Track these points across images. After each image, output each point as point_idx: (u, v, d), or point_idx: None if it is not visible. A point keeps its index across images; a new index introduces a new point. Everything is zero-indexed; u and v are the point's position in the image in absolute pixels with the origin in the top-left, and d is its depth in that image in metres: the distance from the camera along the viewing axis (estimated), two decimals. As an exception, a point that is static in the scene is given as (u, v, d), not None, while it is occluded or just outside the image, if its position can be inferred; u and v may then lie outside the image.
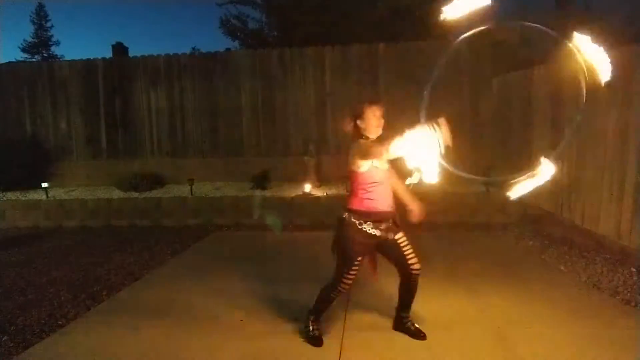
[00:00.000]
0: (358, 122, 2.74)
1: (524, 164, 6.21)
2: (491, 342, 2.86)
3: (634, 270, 3.98)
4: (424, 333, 2.93)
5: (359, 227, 2.70)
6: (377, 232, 2.71)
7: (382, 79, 7.92)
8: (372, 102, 2.75)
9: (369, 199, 2.71)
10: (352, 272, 2.74)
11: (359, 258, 2.72)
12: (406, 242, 2.82)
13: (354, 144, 2.74)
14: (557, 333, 2.96)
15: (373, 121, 2.71)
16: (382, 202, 2.72)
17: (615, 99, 4.30)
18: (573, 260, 4.45)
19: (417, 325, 2.98)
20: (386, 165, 2.75)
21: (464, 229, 5.99)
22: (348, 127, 2.79)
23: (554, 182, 5.20)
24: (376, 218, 2.71)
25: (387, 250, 2.84)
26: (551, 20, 7.39)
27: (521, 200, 6.29)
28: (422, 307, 3.33)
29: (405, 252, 2.80)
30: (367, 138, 2.74)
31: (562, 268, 4.29)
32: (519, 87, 6.54)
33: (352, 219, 2.72)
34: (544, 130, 5.72)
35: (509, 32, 7.55)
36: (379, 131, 2.74)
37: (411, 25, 10.13)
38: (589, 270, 4.12)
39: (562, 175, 5.28)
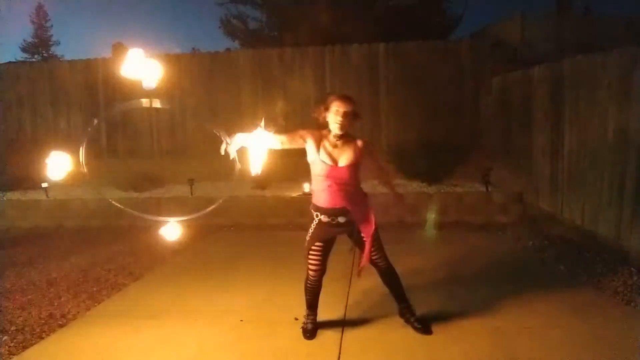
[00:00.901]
0: (325, 113, 2.75)
1: (524, 163, 6.23)
2: (491, 342, 2.86)
3: (634, 270, 3.98)
4: (423, 325, 2.97)
5: (315, 217, 2.82)
6: (330, 220, 2.77)
7: (382, 79, 7.92)
8: (338, 97, 2.72)
9: (317, 191, 2.81)
10: (312, 258, 2.86)
11: (317, 243, 2.84)
12: (365, 240, 2.84)
13: (372, 144, 2.86)
14: (557, 333, 2.96)
15: (332, 116, 2.70)
16: (327, 198, 2.75)
17: (615, 99, 4.30)
18: (573, 260, 4.44)
19: (417, 317, 3.02)
20: (344, 163, 2.74)
21: (464, 229, 5.99)
22: (319, 116, 2.78)
23: (554, 182, 5.17)
24: (326, 213, 2.78)
25: (356, 244, 2.93)
26: (551, 22, 7.40)
27: (521, 200, 6.30)
28: (422, 306, 3.33)
29: (366, 247, 2.85)
30: (330, 131, 2.75)
31: (562, 268, 4.29)
32: (519, 87, 6.54)
33: (311, 209, 2.86)
34: (544, 130, 5.71)
35: (509, 32, 7.56)
36: (338, 129, 2.70)
37: (411, 25, 10.13)
38: (589, 270, 4.12)
39: (562, 174, 5.29)
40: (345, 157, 2.75)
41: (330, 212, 2.76)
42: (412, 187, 6.98)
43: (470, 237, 5.59)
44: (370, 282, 3.77)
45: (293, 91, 8.14)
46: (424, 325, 2.98)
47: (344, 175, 2.73)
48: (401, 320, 3.07)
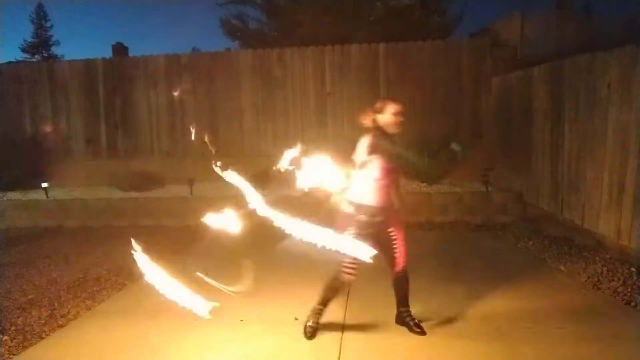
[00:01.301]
0: (378, 117, 2.90)
1: (524, 164, 6.22)
2: (491, 342, 2.86)
3: (634, 270, 3.97)
4: (421, 328, 2.98)
5: (358, 217, 2.84)
6: (370, 219, 2.82)
7: (382, 79, 7.91)
8: (392, 100, 2.95)
9: (367, 191, 2.85)
10: (353, 263, 2.84)
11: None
12: (396, 239, 2.93)
13: (373, 136, 2.85)
14: (557, 333, 2.96)
15: (391, 118, 2.88)
16: (379, 197, 2.85)
17: (615, 99, 4.30)
18: (573, 260, 4.44)
19: (416, 321, 3.02)
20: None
21: (464, 229, 5.99)
22: (367, 120, 2.94)
23: (554, 182, 5.16)
24: (369, 211, 2.83)
25: (382, 244, 2.91)
26: (551, 22, 7.39)
27: (521, 200, 6.30)
28: (422, 306, 3.33)
29: (394, 248, 2.93)
30: (385, 133, 2.89)
31: (562, 268, 4.29)
32: (519, 87, 6.54)
33: (347, 211, 2.88)
34: (544, 130, 5.71)
35: (509, 32, 7.56)
36: (398, 128, 2.92)
37: (411, 25, 10.12)
38: (589, 270, 4.12)
39: (562, 175, 5.29)
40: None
41: (376, 211, 2.83)
42: (412, 187, 6.98)
43: (470, 237, 5.59)
44: (371, 283, 3.77)
45: (293, 91, 8.13)
46: (422, 329, 2.98)
47: (397, 174, 2.94)
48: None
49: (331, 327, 3.11)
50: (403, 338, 2.93)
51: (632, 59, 4.06)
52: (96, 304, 3.75)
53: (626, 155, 4.15)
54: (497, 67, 7.46)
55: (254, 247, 5.45)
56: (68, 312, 3.58)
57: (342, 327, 3.11)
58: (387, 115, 2.89)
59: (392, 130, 2.90)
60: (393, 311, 3.10)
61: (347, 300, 3.57)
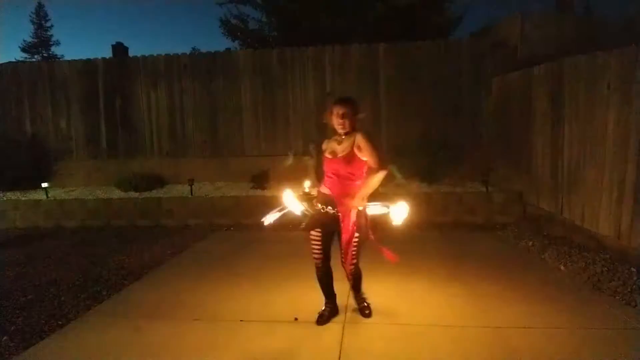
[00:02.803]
0: (331, 117, 2.96)
1: (524, 164, 6.23)
2: (491, 342, 2.86)
3: (634, 270, 3.98)
4: (369, 310, 3.24)
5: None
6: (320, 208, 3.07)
7: (382, 78, 7.91)
8: (335, 101, 2.97)
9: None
10: (311, 244, 3.21)
11: (316, 230, 3.16)
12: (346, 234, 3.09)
13: (368, 134, 2.88)
14: (557, 333, 2.96)
15: (334, 119, 2.92)
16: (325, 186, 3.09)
17: (615, 99, 4.30)
18: (573, 260, 4.44)
19: (366, 304, 3.26)
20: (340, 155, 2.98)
21: (464, 229, 5.99)
22: (328, 122, 3.00)
23: (554, 182, 5.16)
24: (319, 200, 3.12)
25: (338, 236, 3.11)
26: (551, 22, 7.40)
27: (521, 200, 6.31)
28: (423, 306, 3.33)
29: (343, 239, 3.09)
30: (336, 133, 2.97)
31: (562, 268, 4.29)
32: (519, 87, 6.54)
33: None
34: (544, 130, 5.71)
35: (509, 32, 7.56)
36: (339, 129, 2.92)
37: (411, 25, 10.13)
38: (589, 270, 4.12)
39: (562, 175, 5.29)
40: (342, 150, 2.94)
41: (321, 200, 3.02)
42: (412, 187, 6.98)
43: (470, 237, 5.59)
44: (371, 282, 3.77)
45: (293, 91, 8.14)
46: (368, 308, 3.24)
47: (337, 166, 2.95)
48: (402, 320, 3.08)
49: (331, 326, 3.11)
50: (404, 337, 2.93)
51: (632, 59, 4.07)
52: (96, 304, 3.75)
53: (626, 155, 4.16)
54: (497, 67, 7.46)
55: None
56: (68, 312, 3.58)
57: (342, 327, 3.11)
58: (333, 116, 2.93)
59: (338, 130, 2.94)
60: (394, 311, 3.10)
61: (348, 299, 3.57)
